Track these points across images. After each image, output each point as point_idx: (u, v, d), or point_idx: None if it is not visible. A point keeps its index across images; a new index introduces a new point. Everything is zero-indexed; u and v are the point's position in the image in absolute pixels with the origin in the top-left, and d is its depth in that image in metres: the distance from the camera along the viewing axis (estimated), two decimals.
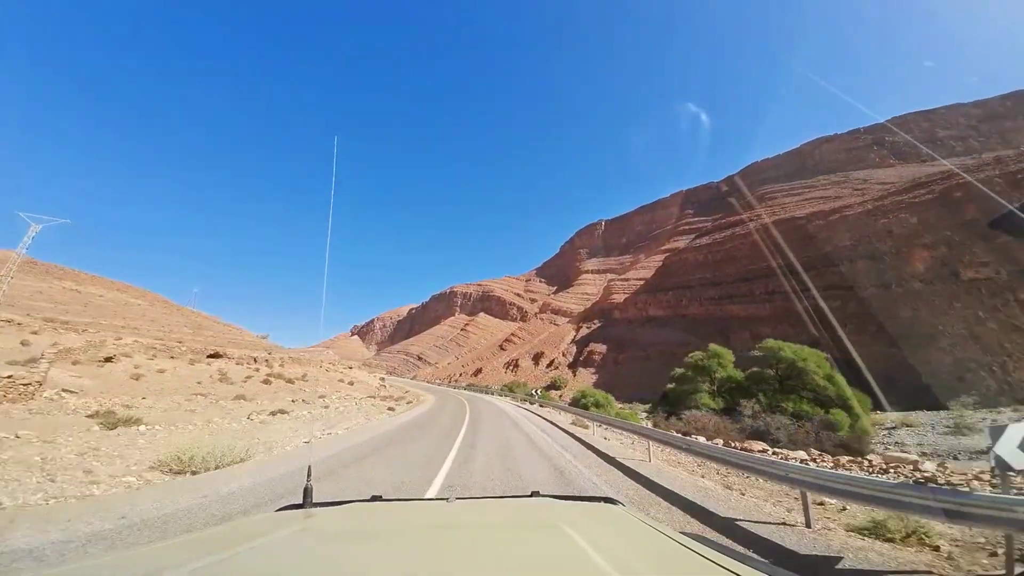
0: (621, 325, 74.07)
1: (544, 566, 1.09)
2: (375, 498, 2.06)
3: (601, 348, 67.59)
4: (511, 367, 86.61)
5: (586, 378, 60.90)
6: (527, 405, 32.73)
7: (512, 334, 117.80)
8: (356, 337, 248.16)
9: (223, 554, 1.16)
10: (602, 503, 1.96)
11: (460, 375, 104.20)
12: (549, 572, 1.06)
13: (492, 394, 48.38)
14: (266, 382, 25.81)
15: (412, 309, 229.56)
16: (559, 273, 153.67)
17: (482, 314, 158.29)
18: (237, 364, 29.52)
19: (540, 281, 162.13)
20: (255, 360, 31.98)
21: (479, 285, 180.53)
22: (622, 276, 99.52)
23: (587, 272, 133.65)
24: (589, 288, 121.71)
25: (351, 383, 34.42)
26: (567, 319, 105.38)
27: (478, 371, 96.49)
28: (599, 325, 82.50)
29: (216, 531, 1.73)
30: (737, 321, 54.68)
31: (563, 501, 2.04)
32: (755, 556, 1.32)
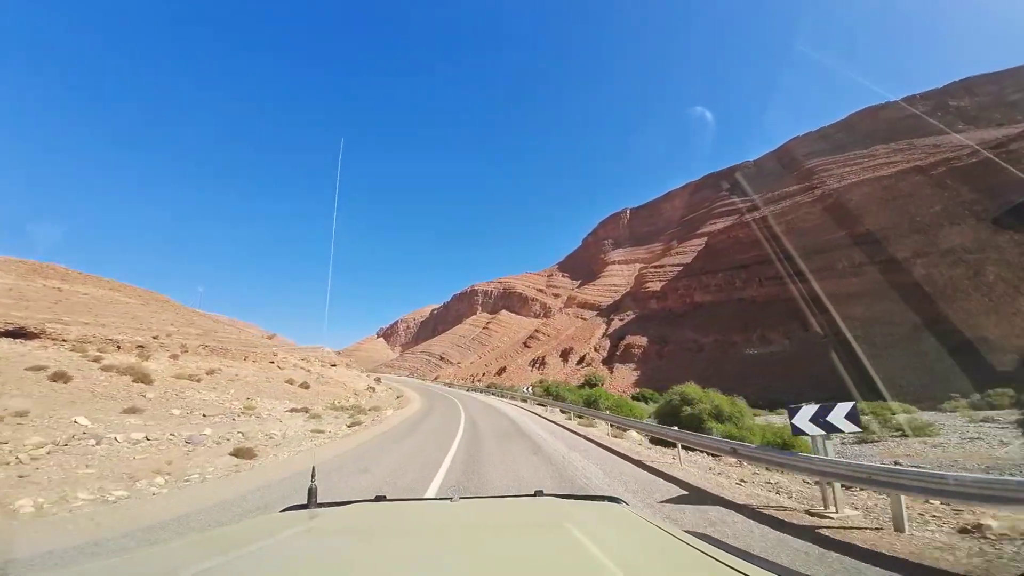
0: (660, 315, 64.74)
1: (549, 565, 1.08)
2: (379, 498, 2.06)
3: (640, 340, 58.44)
4: (537, 365, 78.30)
5: (625, 375, 52.25)
6: (558, 419, 20.54)
7: (536, 330, 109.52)
8: (381, 339, 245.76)
9: (229, 555, 1.15)
10: (606, 502, 1.93)
11: (483, 374, 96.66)
12: (554, 571, 1.05)
13: (512, 399, 34.30)
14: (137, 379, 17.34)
15: (434, 310, 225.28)
16: (583, 266, 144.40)
17: (504, 311, 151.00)
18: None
19: (563, 276, 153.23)
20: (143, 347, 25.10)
21: (499, 282, 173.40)
22: (655, 264, 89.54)
23: (613, 263, 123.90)
24: (616, 279, 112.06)
25: (305, 386, 24.83)
26: (594, 312, 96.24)
27: (502, 370, 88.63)
28: (633, 316, 73.15)
29: (222, 532, 1.70)
30: (813, 299, 44.84)
31: (567, 500, 2.01)
32: (760, 556, 1.17)
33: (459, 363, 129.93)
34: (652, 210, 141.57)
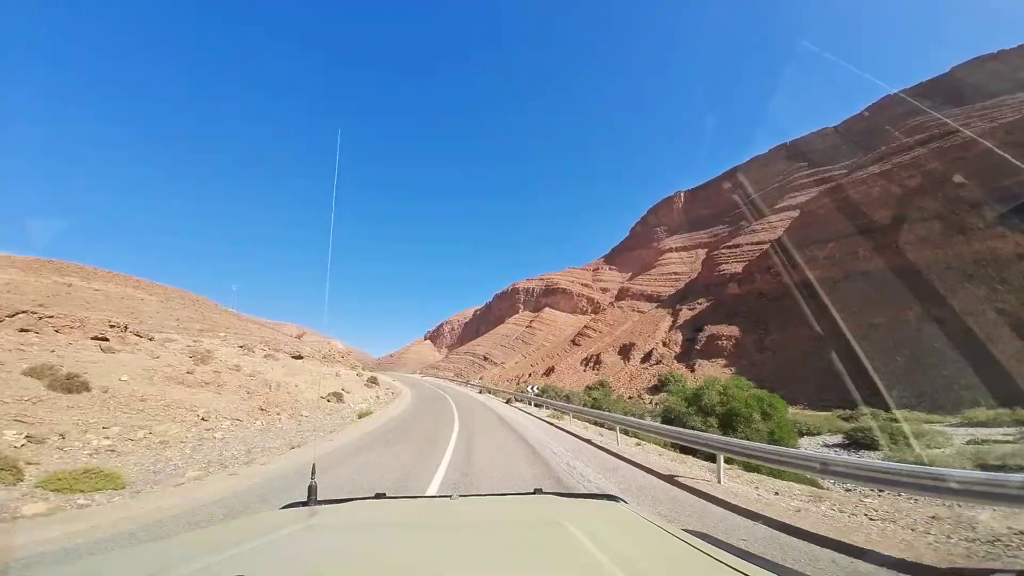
0: (747, 300, 52.57)
1: (547, 563, 1.08)
2: (379, 495, 2.04)
3: (729, 331, 46.64)
4: (591, 364, 68.11)
5: (711, 372, 41.29)
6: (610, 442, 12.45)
7: (585, 327, 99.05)
8: (428, 342, 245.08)
9: (229, 551, 1.14)
10: (605, 500, 1.91)
11: (529, 375, 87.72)
12: (553, 569, 1.05)
13: (553, 413, 21.14)
14: None
15: (477, 310, 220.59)
16: (632, 257, 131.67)
17: (547, 309, 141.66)
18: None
19: (610, 269, 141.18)
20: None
21: (541, 280, 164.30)
22: (728, 245, 76.23)
23: (670, 251, 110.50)
24: (676, 267, 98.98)
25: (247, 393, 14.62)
26: (654, 304, 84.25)
27: (550, 370, 79.16)
28: (708, 304, 61.07)
29: (222, 528, 1.70)
30: (989, 263, 31.55)
31: (566, 498, 2.00)
32: (758, 555, 1.19)
33: (503, 363, 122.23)
34: (710, 191, 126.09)
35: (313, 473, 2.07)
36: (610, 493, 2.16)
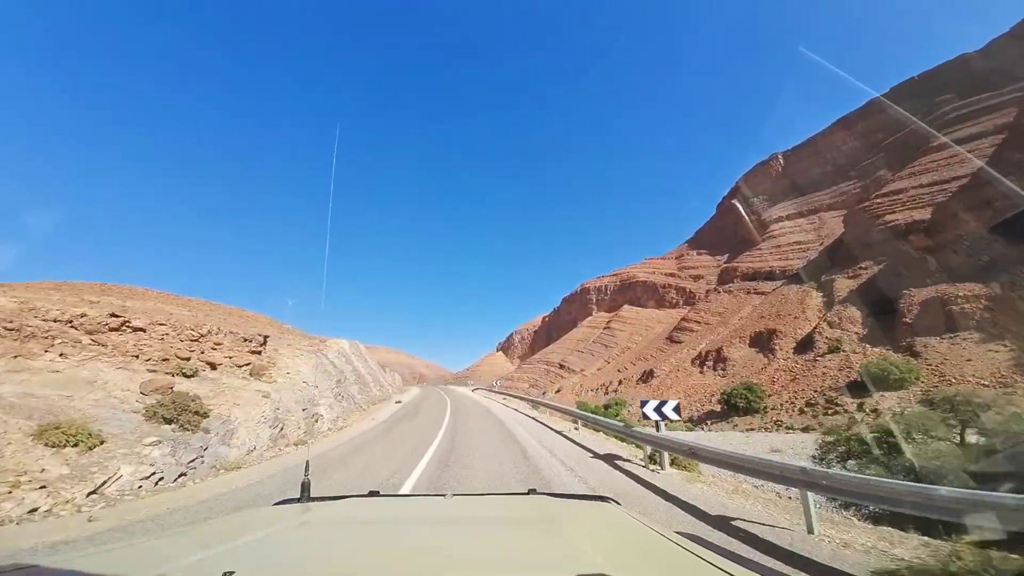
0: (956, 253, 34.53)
1: (540, 562, 1.07)
2: (372, 493, 2.01)
3: (970, 289, 28.80)
4: (708, 363, 52.62)
5: (966, 353, 25.07)
6: None
7: (683, 320, 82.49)
8: (500, 353, 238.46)
9: (222, 547, 1.13)
10: (598, 501, 1.89)
11: (619, 381, 73.56)
12: (545, 568, 1.04)
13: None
14: None
15: (545, 317, 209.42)
16: (725, 236, 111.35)
17: (626, 306, 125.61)
18: None
19: (697, 253, 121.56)
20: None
21: (614, 275, 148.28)
22: (882, 195, 56.44)
23: (780, 220, 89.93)
24: (795, 236, 78.90)
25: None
26: (777, 282, 66.03)
27: (647, 375, 64.50)
28: (880, 266, 43.15)
29: (215, 524, 1.66)
30: None
31: (560, 499, 1.96)
32: (748, 557, 1.36)
33: (583, 370, 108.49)
34: (819, 146, 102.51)
35: (307, 471, 2.01)
36: (603, 494, 2.08)
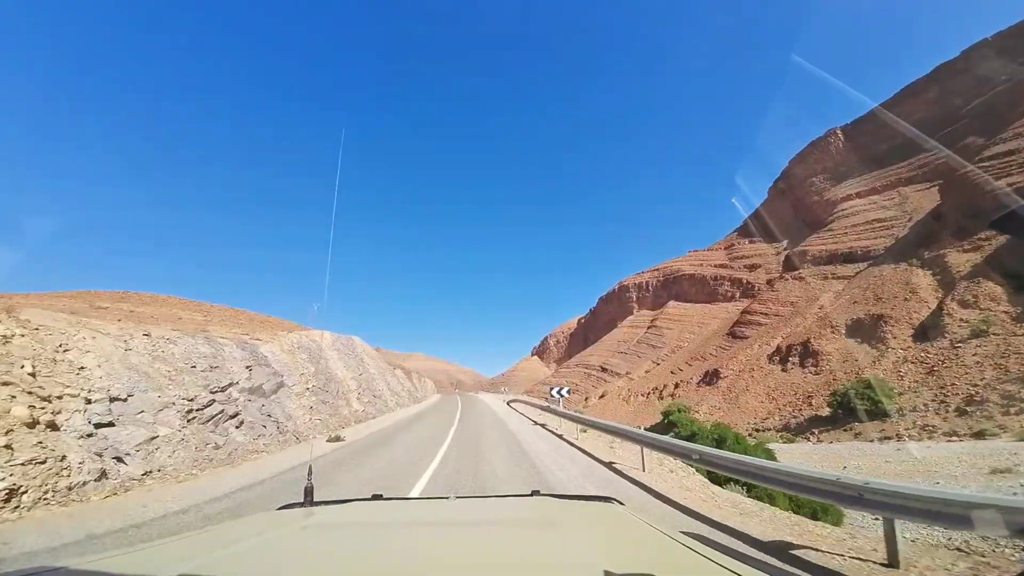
0: None
1: (544, 564, 1.07)
2: (376, 497, 2.02)
3: None
4: (793, 358, 46.33)
5: None
6: None
7: (744, 312, 75.47)
8: (535, 358, 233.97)
9: (224, 552, 1.13)
10: (602, 502, 1.87)
11: (675, 384, 67.55)
12: (549, 570, 1.04)
13: None
14: None
15: (581, 319, 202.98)
16: (784, 220, 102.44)
17: (672, 303, 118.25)
18: None
19: (748, 241, 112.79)
20: None
21: (656, 271, 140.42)
22: (986, 159, 48.33)
23: (849, 198, 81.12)
24: (873, 214, 70.33)
25: None
26: (860, 264, 58.41)
27: (711, 375, 58.37)
28: (1006, 238, 36.08)
29: (218, 529, 1.66)
30: None
31: (563, 500, 1.96)
32: (755, 556, 1.27)
33: (628, 373, 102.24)
34: (882, 119, 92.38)
35: (310, 474, 2.03)
36: (607, 495, 2.07)
